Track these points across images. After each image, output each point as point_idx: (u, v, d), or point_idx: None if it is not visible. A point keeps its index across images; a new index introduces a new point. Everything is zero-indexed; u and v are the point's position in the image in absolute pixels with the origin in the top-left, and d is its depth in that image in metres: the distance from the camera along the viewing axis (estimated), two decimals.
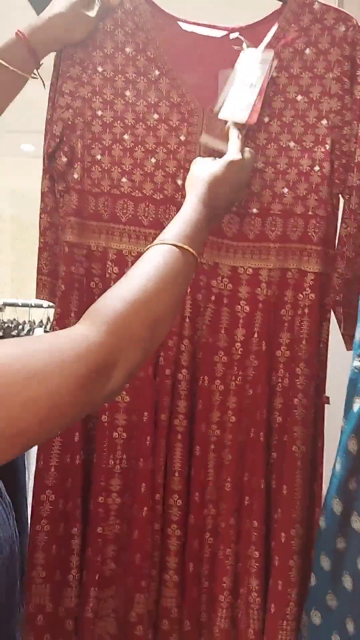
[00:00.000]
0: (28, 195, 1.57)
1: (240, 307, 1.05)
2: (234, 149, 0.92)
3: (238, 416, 1.04)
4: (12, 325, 1.96)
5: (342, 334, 1.03)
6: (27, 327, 1.94)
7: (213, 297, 1.05)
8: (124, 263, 1.06)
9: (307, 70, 1.02)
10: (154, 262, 0.71)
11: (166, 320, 0.70)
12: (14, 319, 1.99)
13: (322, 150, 1.01)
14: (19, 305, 1.94)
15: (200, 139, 1.04)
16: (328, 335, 1.04)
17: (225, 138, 1.00)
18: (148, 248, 0.74)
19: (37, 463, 1.04)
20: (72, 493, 1.04)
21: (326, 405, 1.04)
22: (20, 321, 1.99)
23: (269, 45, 1.02)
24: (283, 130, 1.03)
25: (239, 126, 0.99)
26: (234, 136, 0.95)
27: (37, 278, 1.11)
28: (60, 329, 1.05)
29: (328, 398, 1.03)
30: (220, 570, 1.02)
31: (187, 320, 1.05)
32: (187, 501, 1.03)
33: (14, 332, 1.90)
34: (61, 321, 1.06)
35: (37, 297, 1.12)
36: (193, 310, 1.06)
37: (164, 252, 0.72)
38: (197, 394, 1.05)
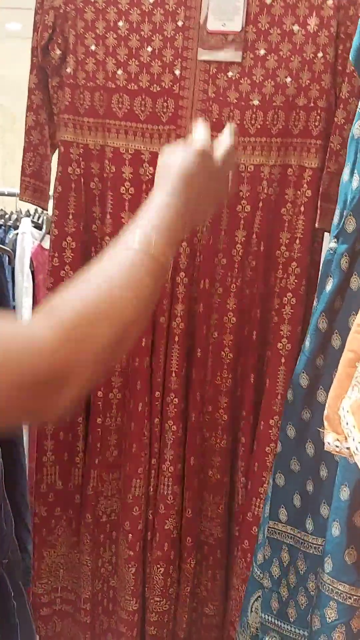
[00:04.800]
0: (17, 82, 1.43)
1: (241, 206, 1.02)
2: (201, 139, 0.75)
3: (237, 317, 1.05)
4: None
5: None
6: (14, 217, 1.84)
7: None
8: (120, 162, 1.03)
9: None
10: (117, 262, 0.59)
11: (133, 329, 0.58)
12: (1, 209, 1.90)
13: (327, 34, 0.94)
14: (5, 195, 1.86)
15: (198, 57, 0.98)
16: (323, 233, 1.01)
17: (222, 47, 0.95)
18: (113, 246, 0.61)
19: None
20: None
21: None
22: (7, 211, 1.90)
23: None
24: (287, 13, 0.96)
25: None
26: (201, 127, 0.77)
27: (20, 179, 1.09)
28: (60, 232, 1.06)
29: None
30: (222, 461, 1.09)
31: None
32: (184, 400, 1.07)
33: (1, 221, 1.84)
34: (59, 223, 1.05)
35: (20, 199, 1.09)
36: None
37: (131, 254, 0.59)
38: (198, 297, 1.05)
